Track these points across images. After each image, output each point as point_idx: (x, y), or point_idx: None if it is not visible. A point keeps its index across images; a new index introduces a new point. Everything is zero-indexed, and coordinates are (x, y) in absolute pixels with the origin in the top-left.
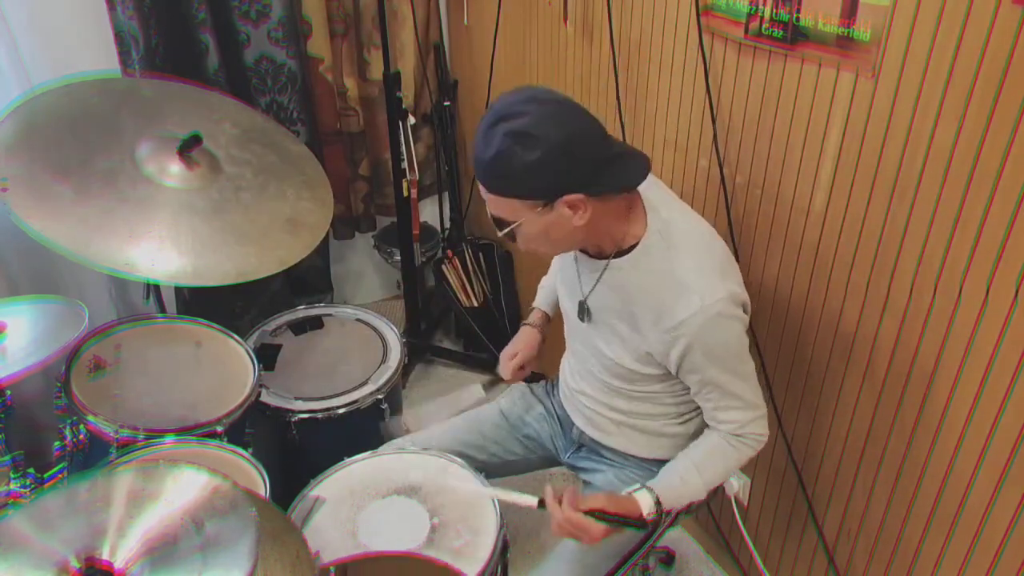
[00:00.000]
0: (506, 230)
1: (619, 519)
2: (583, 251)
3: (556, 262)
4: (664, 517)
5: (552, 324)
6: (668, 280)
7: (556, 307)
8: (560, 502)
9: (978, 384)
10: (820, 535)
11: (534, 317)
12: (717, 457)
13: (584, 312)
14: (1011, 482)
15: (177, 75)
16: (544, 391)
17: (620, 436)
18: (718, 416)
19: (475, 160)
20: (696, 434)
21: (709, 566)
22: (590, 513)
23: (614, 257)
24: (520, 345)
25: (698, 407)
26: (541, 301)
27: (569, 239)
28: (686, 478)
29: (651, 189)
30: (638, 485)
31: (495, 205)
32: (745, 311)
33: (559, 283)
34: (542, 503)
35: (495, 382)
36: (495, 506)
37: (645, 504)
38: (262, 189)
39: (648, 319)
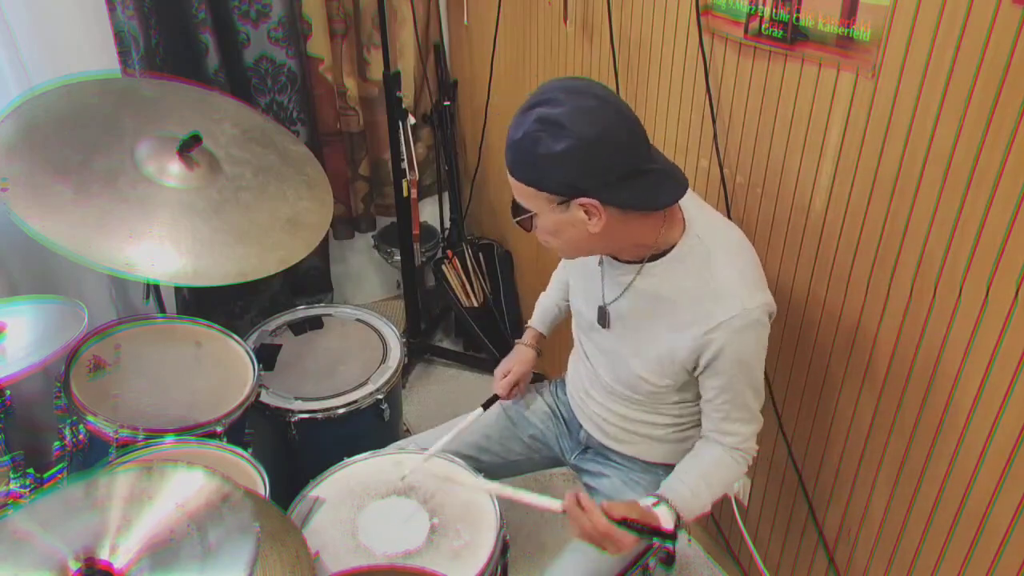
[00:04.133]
0: (521, 217)
1: (648, 530)
2: (612, 256)
3: (559, 273)
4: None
5: (557, 324)
6: (708, 284)
7: (552, 326)
8: (580, 505)
9: (978, 384)
10: (820, 535)
11: (528, 336)
12: (724, 471)
13: (605, 318)
14: (1011, 482)
15: (177, 75)
16: (549, 391)
17: (629, 443)
18: (724, 427)
19: (507, 145)
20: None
21: (709, 566)
22: (620, 523)
23: (648, 261)
24: (514, 363)
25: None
26: (536, 320)
27: (585, 244)
28: (697, 492)
29: (687, 197)
30: (655, 499)
31: (516, 189)
32: (771, 318)
33: (574, 287)
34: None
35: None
36: (495, 506)
37: (665, 520)
38: (262, 189)
39: (682, 322)
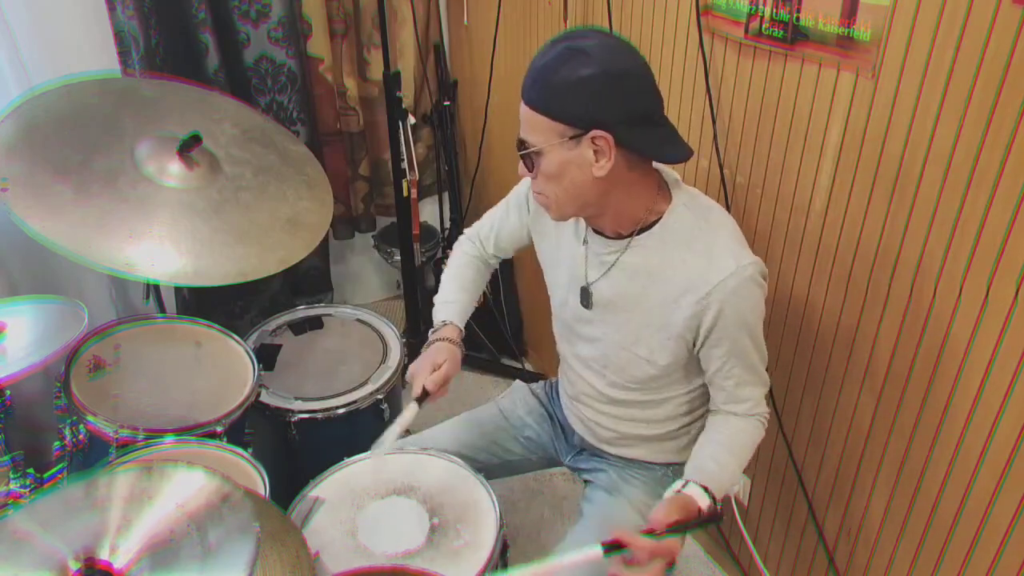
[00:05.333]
0: (526, 151)
1: (695, 522)
2: (597, 232)
3: (496, 222)
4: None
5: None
6: (699, 247)
7: (466, 315)
8: (622, 544)
9: (978, 384)
10: (820, 535)
11: (451, 333)
12: (745, 436)
13: (588, 298)
14: (1011, 482)
15: (177, 75)
16: (544, 392)
17: (624, 447)
18: (738, 394)
19: (527, 74)
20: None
21: (709, 566)
22: (664, 531)
23: (638, 234)
24: (444, 360)
25: (700, 409)
26: (456, 315)
27: (582, 193)
28: (723, 463)
29: (670, 175)
30: (683, 481)
31: (527, 123)
32: (765, 280)
33: (553, 281)
34: (607, 549)
35: (497, 383)
36: (495, 506)
37: (700, 498)
38: (262, 189)
39: (676, 291)
